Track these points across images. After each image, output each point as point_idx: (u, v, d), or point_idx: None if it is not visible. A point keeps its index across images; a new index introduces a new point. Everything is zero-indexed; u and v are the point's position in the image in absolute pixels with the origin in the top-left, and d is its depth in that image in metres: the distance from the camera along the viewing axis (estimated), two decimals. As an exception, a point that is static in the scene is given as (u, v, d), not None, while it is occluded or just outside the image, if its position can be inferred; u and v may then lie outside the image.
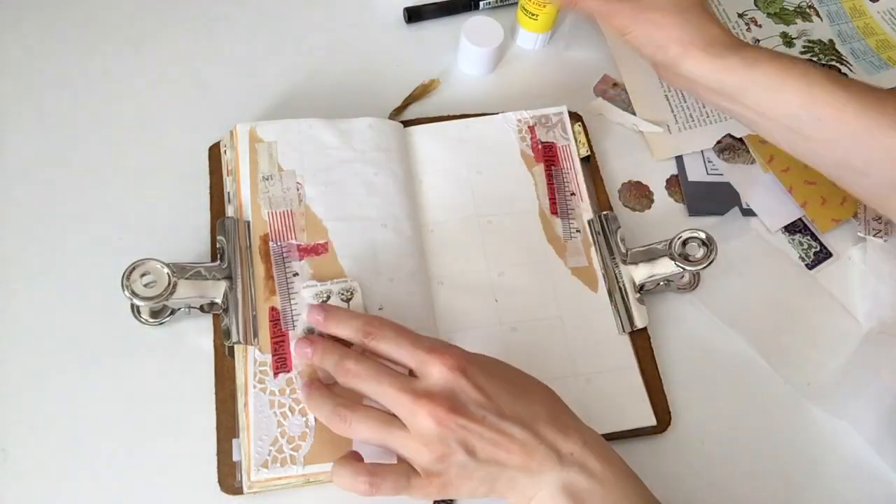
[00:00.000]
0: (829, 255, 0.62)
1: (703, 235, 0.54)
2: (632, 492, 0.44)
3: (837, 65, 0.68)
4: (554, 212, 0.60)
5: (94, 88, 0.64)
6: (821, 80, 0.49)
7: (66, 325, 0.54)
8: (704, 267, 0.53)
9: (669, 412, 0.54)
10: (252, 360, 0.51)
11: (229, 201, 0.58)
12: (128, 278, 0.50)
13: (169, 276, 0.51)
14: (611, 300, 0.56)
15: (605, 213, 0.59)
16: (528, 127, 0.63)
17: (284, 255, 0.55)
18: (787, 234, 0.62)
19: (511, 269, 0.57)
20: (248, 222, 0.56)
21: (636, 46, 0.55)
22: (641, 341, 0.56)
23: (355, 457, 0.47)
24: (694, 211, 0.63)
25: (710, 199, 0.63)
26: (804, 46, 0.70)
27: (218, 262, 0.54)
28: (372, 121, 0.61)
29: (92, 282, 0.55)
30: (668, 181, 0.64)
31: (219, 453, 0.51)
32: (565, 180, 0.61)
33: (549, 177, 0.61)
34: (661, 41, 0.53)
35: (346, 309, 0.51)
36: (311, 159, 0.58)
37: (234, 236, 0.55)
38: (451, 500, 0.49)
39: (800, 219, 0.63)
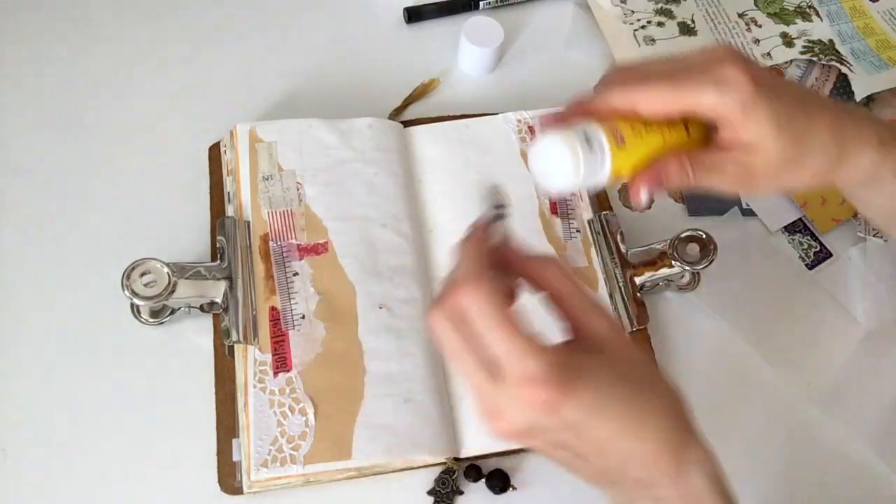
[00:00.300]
0: (829, 255, 0.62)
1: (703, 235, 0.54)
2: None
3: (837, 65, 0.68)
4: (554, 212, 0.60)
5: (94, 89, 0.64)
6: None
7: (66, 325, 0.54)
8: (704, 267, 0.53)
9: (669, 412, 0.54)
10: (252, 359, 0.51)
11: (229, 201, 0.58)
12: (128, 278, 0.50)
13: (169, 275, 0.51)
14: (611, 300, 0.56)
15: (604, 213, 0.59)
16: (528, 127, 0.63)
17: (284, 254, 0.55)
18: (787, 234, 0.62)
19: (511, 269, 0.57)
20: (248, 222, 0.56)
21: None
22: (641, 341, 0.56)
23: None
24: (694, 211, 0.63)
25: (710, 199, 0.63)
26: (804, 46, 0.70)
27: (218, 261, 0.54)
28: (372, 121, 0.61)
29: (92, 282, 0.55)
30: (668, 181, 0.64)
31: (219, 453, 0.51)
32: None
33: (549, 177, 0.61)
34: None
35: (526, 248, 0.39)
36: (311, 159, 0.58)
37: (234, 236, 0.55)
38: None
39: (800, 219, 0.63)
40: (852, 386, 0.56)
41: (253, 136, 0.59)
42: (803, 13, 0.73)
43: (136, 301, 0.50)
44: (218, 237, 0.55)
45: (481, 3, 0.71)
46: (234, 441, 0.50)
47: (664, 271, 0.55)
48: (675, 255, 0.53)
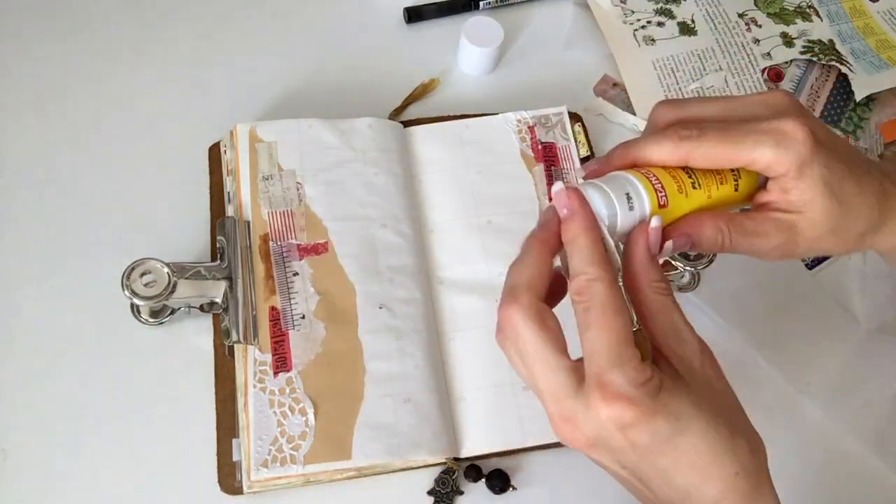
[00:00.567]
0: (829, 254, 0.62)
1: (703, 235, 0.53)
2: None
3: (837, 65, 0.68)
4: (554, 212, 0.59)
5: (94, 89, 0.64)
6: None
7: (66, 325, 0.54)
8: (704, 267, 0.53)
9: (669, 412, 0.54)
10: (252, 359, 0.51)
11: (229, 201, 0.58)
12: (128, 278, 0.50)
13: (169, 275, 0.51)
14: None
15: (605, 213, 0.59)
16: (528, 127, 0.63)
17: (284, 254, 0.55)
18: (787, 234, 0.62)
19: (511, 268, 0.57)
20: (248, 222, 0.56)
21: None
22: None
23: None
24: (694, 211, 0.62)
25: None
26: (804, 46, 0.70)
27: (218, 261, 0.54)
28: (372, 121, 0.61)
29: (92, 282, 0.55)
30: (668, 181, 0.64)
31: (219, 453, 0.51)
32: (565, 180, 0.61)
33: (550, 177, 0.61)
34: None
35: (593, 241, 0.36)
36: (311, 159, 0.58)
37: (234, 236, 0.55)
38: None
39: (800, 219, 0.63)
40: (852, 386, 0.56)
41: (253, 136, 0.59)
42: (803, 13, 0.73)
43: (136, 301, 0.50)
44: (218, 237, 0.55)
45: (481, 3, 0.71)
46: (234, 441, 0.50)
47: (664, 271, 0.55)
48: (675, 254, 0.53)
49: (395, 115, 0.65)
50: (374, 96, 0.65)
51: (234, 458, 0.50)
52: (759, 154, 0.37)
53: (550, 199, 0.37)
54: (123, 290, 0.50)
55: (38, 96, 0.63)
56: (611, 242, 0.36)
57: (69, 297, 0.55)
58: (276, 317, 0.53)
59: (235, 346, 0.52)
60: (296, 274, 0.54)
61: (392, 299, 0.54)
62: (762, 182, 0.39)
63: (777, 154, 0.37)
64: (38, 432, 0.51)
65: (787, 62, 0.69)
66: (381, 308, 0.54)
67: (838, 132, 0.67)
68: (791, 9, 0.73)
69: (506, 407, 0.53)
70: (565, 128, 0.63)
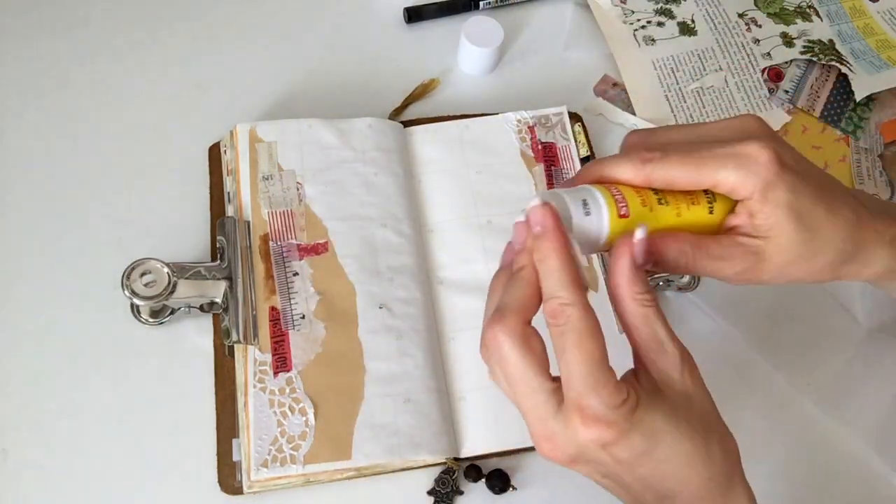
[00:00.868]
0: (829, 255, 0.62)
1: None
2: None
3: (837, 65, 0.68)
4: (554, 212, 0.60)
5: (94, 89, 0.64)
6: None
7: (66, 326, 0.54)
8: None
9: (669, 412, 0.54)
10: (252, 359, 0.51)
11: (229, 201, 0.58)
12: (128, 278, 0.50)
13: (169, 275, 0.51)
14: (612, 301, 0.56)
15: (605, 213, 0.59)
16: (528, 127, 0.63)
17: (284, 254, 0.55)
18: (787, 234, 0.62)
19: (511, 269, 0.57)
20: (248, 222, 0.56)
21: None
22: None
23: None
24: (694, 211, 0.63)
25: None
26: (804, 46, 0.70)
27: (218, 261, 0.54)
28: (372, 121, 0.61)
29: (92, 282, 0.55)
30: (668, 181, 0.64)
31: (219, 453, 0.51)
32: (566, 180, 0.61)
33: (550, 177, 0.61)
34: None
35: (566, 259, 0.35)
36: (311, 159, 0.58)
37: (234, 236, 0.55)
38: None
39: (800, 219, 0.63)
40: (852, 386, 0.56)
41: (253, 136, 0.59)
42: (803, 13, 0.73)
43: (136, 301, 0.50)
44: (218, 237, 0.55)
45: (481, 3, 0.71)
46: (234, 441, 0.50)
47: (664, 271, 0.55)
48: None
49: (395, 115, 0.65)
50: (374, 96, 0.65)
51: (234, 458, 0.50)
52: (722, 176, 0.37)
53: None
54: (123, 290, 0.50)
55: (38, 95, 0.63)
56: (581, 260, 0.36)
57: (69, 298, 0.55)
58: (276, 317, 0.53)
59: (235, 346, 0.52)
60: (296, 274, 0.54)
61: (392, 299, 0.54)
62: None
63: (739, 176, 0.37)
64: (38, 432, 0.51)
65: (787, 62, 0.69)
66: (381, 308, 0.54)
67: (838, 132, 0.67)
68: (791, 9, 0.73)
69: (506, 407, 0.52)
70: (565, 128, 0.63)
